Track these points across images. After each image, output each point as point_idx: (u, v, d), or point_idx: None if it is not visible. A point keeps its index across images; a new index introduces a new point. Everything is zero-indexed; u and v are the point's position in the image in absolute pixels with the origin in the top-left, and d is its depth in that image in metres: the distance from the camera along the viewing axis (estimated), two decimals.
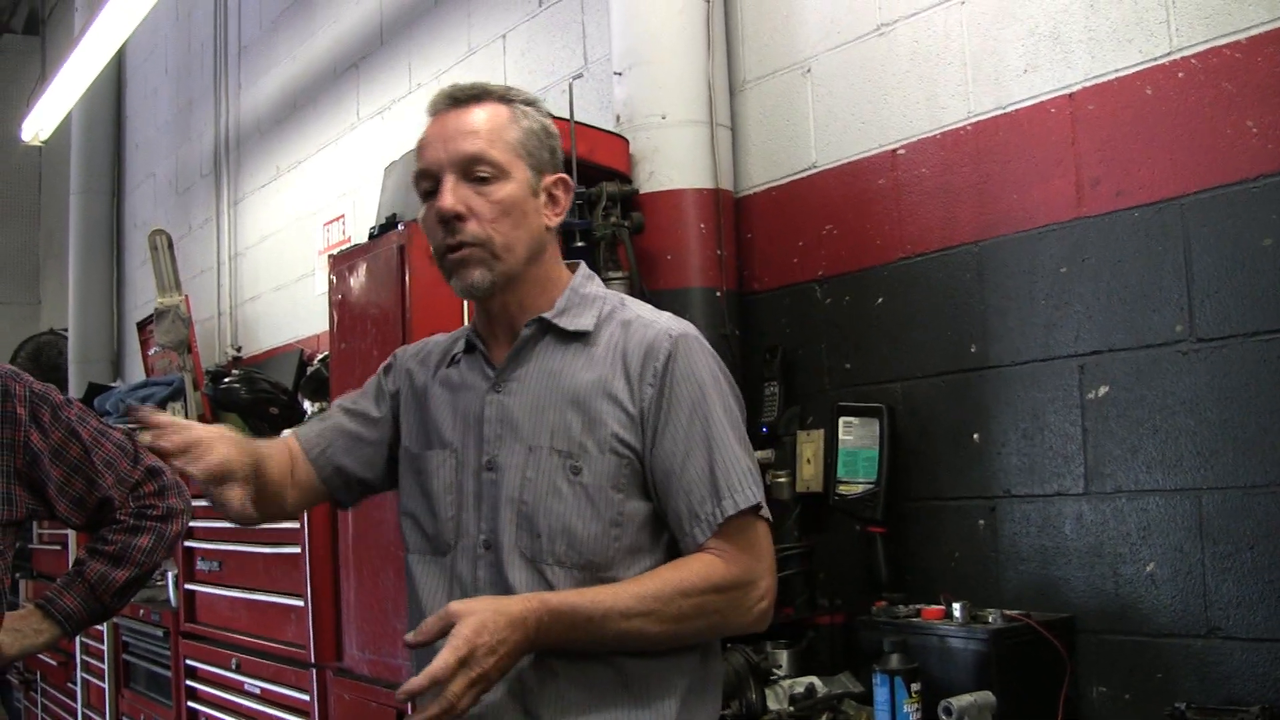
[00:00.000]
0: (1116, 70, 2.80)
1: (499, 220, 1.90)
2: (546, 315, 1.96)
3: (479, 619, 1.69)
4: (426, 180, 1.93)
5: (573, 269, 2.04)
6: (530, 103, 1.99)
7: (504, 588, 1.87)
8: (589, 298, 2.00)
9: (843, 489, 3.22)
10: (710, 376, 1.93)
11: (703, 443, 1.87)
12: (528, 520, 1.87)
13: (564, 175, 2.00)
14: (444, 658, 1.66)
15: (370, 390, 2.16)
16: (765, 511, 1.89)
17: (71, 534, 5.58)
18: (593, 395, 1.89)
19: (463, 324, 3.20)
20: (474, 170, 1.90)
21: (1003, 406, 3.00)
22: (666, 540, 1.92)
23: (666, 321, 1.96)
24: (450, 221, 1.89)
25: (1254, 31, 2.56)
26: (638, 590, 1.81)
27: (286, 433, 2.17)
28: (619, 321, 1.97)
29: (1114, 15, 2.82)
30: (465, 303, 3.29)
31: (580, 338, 1.95)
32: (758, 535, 1.90)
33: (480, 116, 1.93)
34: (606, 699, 1.85)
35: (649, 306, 2.04)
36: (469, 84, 1.98)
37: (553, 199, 1.98)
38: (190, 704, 4.74)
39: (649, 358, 1.90)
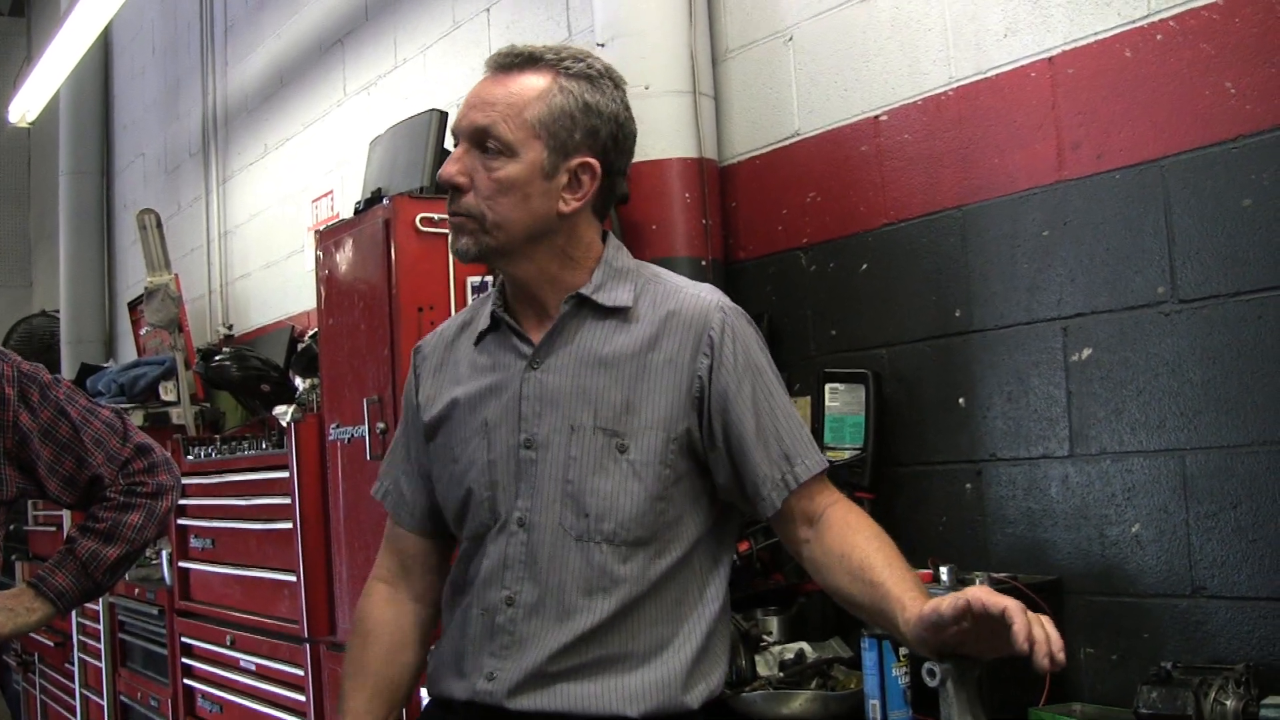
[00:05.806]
0: (1095, 33, 2.80)
1: (495, 198, 1.88)
2: (584, 291, 1.94)
3: None
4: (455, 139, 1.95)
5: (604, 240, 2.02)
6: (587, 77, 1.92)
7: (538, 564, 1.88)
8: (622, 271, 1.99)
9: (830, 455, 3.19)
10: (760, 349, 1.96)
11: (767, 411, 1.90)
12: (574, 500, 1.87)
13: (591, 159, 1.92)
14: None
15: (409, 416, 2.14)
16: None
17: (66, 515, 5.59)
18: (637, 371, 1.89)
19: (449, 297, 3.26)
20: (484, 143, 1.89)
21: (987, 370, 3.01)
22: (705, 505, 1.94)
23: (708, 294, 1.97)
24: (449, 190, 1.90)
25: None
26: (914, 576, 1.85)
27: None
28: (657, 293, 1.97)
29: None
30: (452, 276, 3.31)
31: (619, 313, 1.94)
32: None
33: (510, 88, 1.89)
34: (615, 665, 1.88)
35: (680, 276, 2.05)
36: (523, 47, 1.93)
37: (577, 182, 1.92)
38: (187, 681, 4.77)
39: (700, 331, 1.91)
